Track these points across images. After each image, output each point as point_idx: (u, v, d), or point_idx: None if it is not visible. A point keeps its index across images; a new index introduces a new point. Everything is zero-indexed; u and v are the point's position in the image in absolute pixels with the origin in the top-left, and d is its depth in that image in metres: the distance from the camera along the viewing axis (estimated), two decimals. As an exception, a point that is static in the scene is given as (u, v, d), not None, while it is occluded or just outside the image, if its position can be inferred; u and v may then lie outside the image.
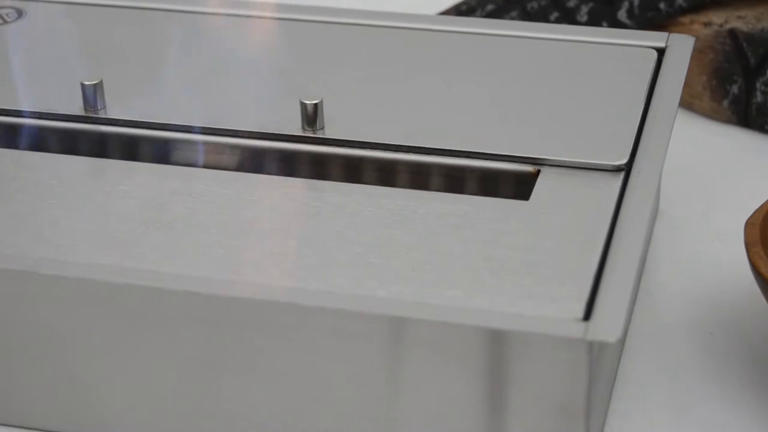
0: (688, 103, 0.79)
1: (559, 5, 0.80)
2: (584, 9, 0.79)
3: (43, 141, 0.64)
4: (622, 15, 0.79)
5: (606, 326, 0.51)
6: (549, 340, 0.51)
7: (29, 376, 0.57)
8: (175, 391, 0.56)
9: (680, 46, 0.68)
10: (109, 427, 0.58)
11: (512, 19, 0.81)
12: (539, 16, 0.80)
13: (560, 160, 0.60)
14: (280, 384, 0.55)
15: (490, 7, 0.81)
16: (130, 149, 0.64)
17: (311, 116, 0.62)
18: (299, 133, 0.62)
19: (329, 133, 0.62)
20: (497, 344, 0.52)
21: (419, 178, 0.62)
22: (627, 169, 0.60)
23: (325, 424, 0.55)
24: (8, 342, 0.57)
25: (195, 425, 0.57)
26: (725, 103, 0.78)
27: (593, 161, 0.60)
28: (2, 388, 0.58)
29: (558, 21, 0.80)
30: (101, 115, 0.64)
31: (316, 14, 0.72)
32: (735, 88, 0.77)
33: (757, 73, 0.76)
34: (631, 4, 0.79)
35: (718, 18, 0.78)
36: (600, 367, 0.55)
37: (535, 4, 0.80)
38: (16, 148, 0.64)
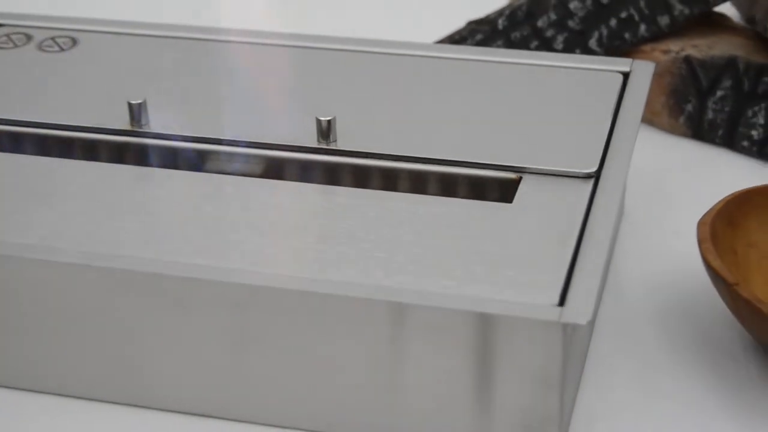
0: (649, 119, 0.79)
1: (538, 35, 0.80)
2: (560, 38, 0.79)
3: (94, 152, 0.64)
4: (592, 43, 0.79)
5: (578, 311, 0.51)
6: (529, 323, 0.51)
7: (87, 354, 0.57)
8: (208, 365, 0.56)
9: (642, 71, 0.68)
10: (156, 397, 0.58)
11: (498, 47, 0.81)
12: (521, 44, 0.80)
13: (539, 168, 0.60)
14: (298, 360, 0.55)
15: (479, 36, 0.81)
16: (170, 159, 0.63)
17: (325, 131, 0.62)
18: (315, 145, 0.62)
19: (341, 145, 0.62)
20: (485, 326, 0.52)
21: (418, 184, 0.62)
22: (596, 176, 0.60)
23: (336, 393, 0.55)
24: (67, 325, 0.57)
25: (227, 392, 0.57)
26: (681, 119, 0.78)
27: (567, 169, 0.60)
28: (62, 365, 0.58)
29: (537, 48, 0.80)
30: (145, 129, 0.64)
31: (329, 43, 0.72)
32: (690, 107, 0.77)
33: (709, 94, 0.76)
34: (601, 34, 0.79)
35: (675, 46, 0.78)
36: (573, 345, 0.55)
37: (517, 34, 0.80)
38: (72, 158, 0.64)
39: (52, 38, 0.72)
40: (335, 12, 0.92)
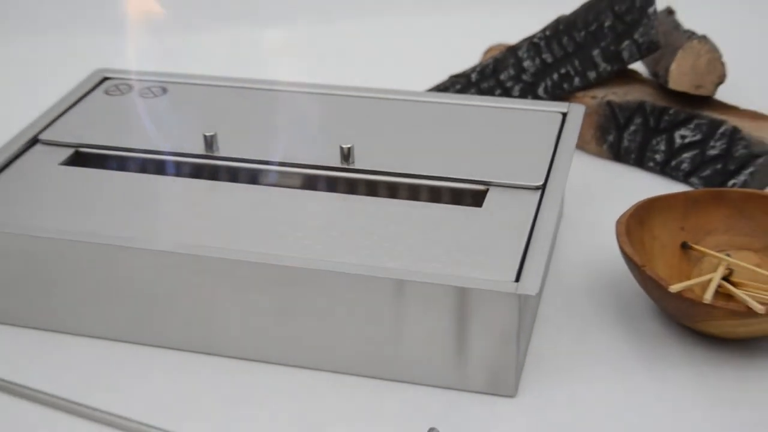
0: (581, 146, 0.79)
1: (501, 85, 0.80)
2: (517, 88, 0.79)
3: (178, 170, 0.64)
4: (540, 91, 0.79)
5: (529, 285, 0.52)
6: (493, 294, 0.52)
7: (172, 317, 0.57)
8: (261, 326, 0.56)
9: (576, 111, 0.68)
10: (224, 347, 0.58)
11: (471, 93, 0.81)
12: (488, 92, 0.80)
13: (501, 182, 0.60)
14: (323, 323, 0.55)
15: (457, 86, 0.81)
16: (234, 175, 0.63)
17: (346, 155, 0.62)
18: (338, 165, 0.62)
19: (357, 165, 0.62)
20: (462, 296, 0.52)
21: (413, 193, 0.62)
22: (542, 188, 0.60)
23: (352, 344, 0.55)
24: (159, 298, 0.57)
25: (274, 344, 0.57)
26: (605, 147, 0.78)
27: (521, 183, 0.60)
28: (155, 326, 0.58)
29: (500, 95, 0.80)
30: (216, 154, 0.64)
31: (350, 91, 0.71)
32: (611, 138, 0.77)
33: (625, 128, 0.76)
34: (546, 85, 0.79)
35: (600, 93, 0.78)
36: (526, 310, 0.55)
37: (486, 85, 0.80)
38: (162, 174, 0.64)
39: (148, 88, 0.72)
40: (356, 70, 0.92)
